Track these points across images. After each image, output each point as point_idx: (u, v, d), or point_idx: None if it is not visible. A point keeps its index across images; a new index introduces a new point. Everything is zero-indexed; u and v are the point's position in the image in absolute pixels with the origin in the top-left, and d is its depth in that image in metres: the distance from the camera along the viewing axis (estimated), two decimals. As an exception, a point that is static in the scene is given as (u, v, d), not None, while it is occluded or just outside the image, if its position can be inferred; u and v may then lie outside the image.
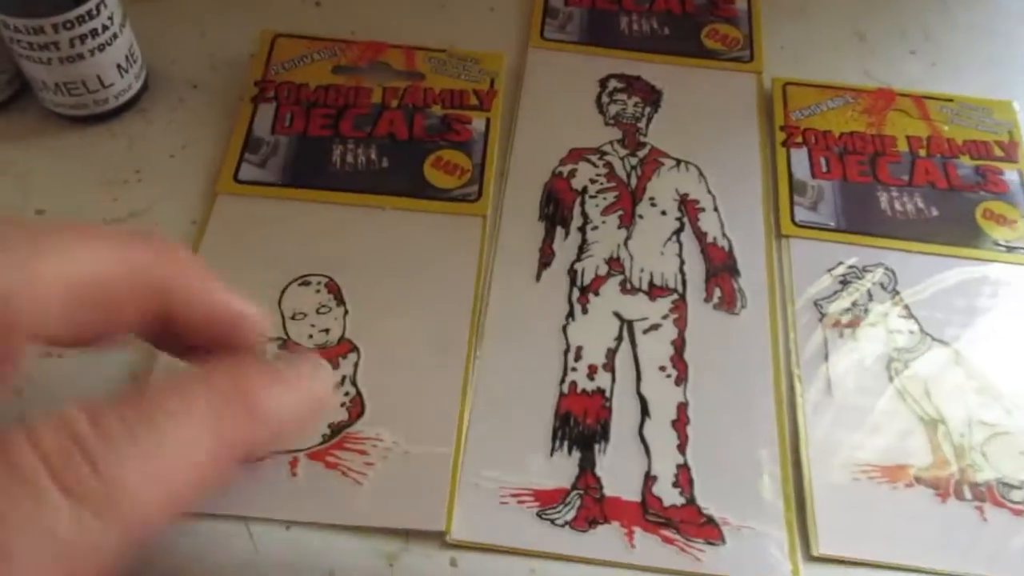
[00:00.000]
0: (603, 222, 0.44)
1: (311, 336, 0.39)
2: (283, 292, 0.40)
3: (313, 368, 0.27)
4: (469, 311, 0.40)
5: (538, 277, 0.42)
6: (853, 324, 0.41)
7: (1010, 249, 0.43)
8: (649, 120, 0.48)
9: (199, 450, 0.21)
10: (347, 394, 0.37)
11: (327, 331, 0.39)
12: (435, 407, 0.37)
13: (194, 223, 0.42)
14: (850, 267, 0.42)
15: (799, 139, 0.47)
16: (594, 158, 0.46)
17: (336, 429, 0.36)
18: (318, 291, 0.40)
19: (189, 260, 0.26)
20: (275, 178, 0.44)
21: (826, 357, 0.40)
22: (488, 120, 0.47)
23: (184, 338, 0.27)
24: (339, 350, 0.39)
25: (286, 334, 0.39)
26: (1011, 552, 0.35)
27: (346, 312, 0.40)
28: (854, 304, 0.41)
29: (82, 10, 0.40)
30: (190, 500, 0.21)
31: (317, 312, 0.40)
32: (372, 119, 0.46)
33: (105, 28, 0.42)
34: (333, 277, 0.41)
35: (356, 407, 0.37)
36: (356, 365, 0.38)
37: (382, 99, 0.47)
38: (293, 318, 0.39)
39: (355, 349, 0.39)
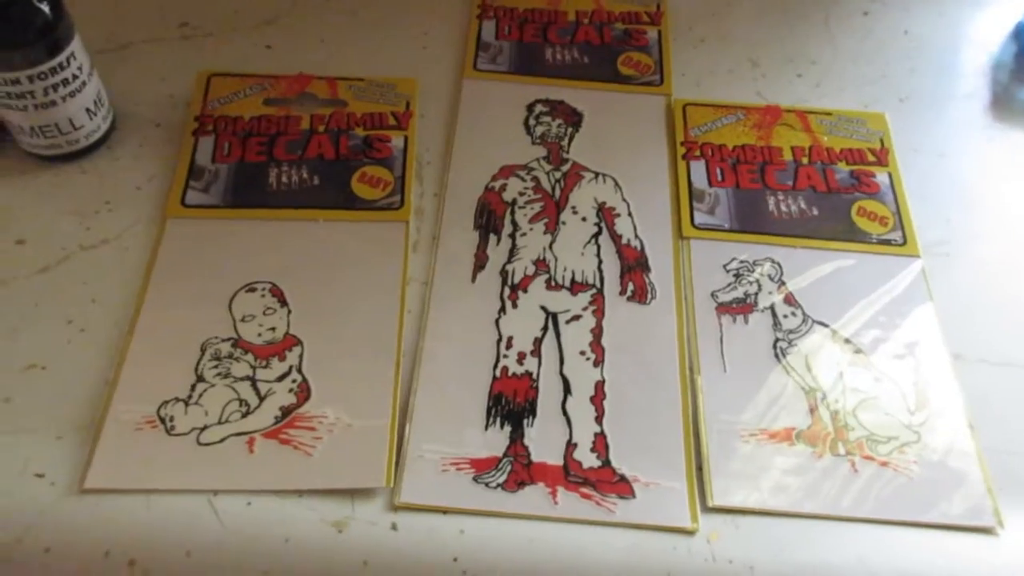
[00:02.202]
0: (530, 229, 0.50)
1: (260, 334, 0.44)
2: (232, 299, 0.46)
3: None
4: (397, 303, 0.46)
5: (474, 279, 0.48)
6: (744, 311, 0.47)
7: (881, 242, 0.50)
8: (571, 139, 0.54)
9: None
10: (295, 381, 0.43)
11: (273, 329, 0.45)
12: (371, 386, 0.43)
13: (157, 246, 0.48)
14: (742, 262, 0.49)
15: (697, 152, 0.53)
16: (522, 173, 0.52)
17: (286, 411, 0.42)
18: (263, 296, 0.46)
19: None
20: (218, 200, 0.50)
21: (721, 340, 0.46)
22: (406, 138, 0.53)
23: None
24: (285, 344, 0.44)
25: (237, 334, 0.45)
26: (876, 496, 0.41)
27: (289, 312, 0.45)
28: (745, 294, 0.48)
29: (54, 62, 0.46)
30: None
31: (264, 314, 0.45)
32: (302, 143, 0.52)
33: (75, 77, 0.47)
34: (276, 283, 0.46)
35: (303, 392, 0.43)
36: (301, 356, 0.44)
37: (310, 125, 0.53)
38: (243, 320, 0.45)
39: (299, 343, 0.44)
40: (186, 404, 0.42)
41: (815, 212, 0.51)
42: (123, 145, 0.52)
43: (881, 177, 0.53)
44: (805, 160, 0.53)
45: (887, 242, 0.50)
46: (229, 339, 0.45)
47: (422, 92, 0.56)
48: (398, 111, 0.54)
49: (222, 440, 0.41)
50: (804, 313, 0.47)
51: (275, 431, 0.42)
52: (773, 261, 0.49)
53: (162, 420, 0.42)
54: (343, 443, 0.41)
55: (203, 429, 0.42)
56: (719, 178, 0.52)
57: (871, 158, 0.54)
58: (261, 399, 0.43)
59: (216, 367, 0.44)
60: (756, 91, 0.58)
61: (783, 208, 0.51)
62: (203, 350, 0.44)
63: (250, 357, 0.44)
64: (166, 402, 0.42)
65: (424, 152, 0.53)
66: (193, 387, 0.43)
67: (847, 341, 0.46)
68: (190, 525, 0.39)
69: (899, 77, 0.59)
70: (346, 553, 0.38)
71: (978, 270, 0.50)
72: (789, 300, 0.48)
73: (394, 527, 0.39)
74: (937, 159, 0.55)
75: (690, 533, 0.39)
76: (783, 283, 0.48)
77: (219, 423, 0.42)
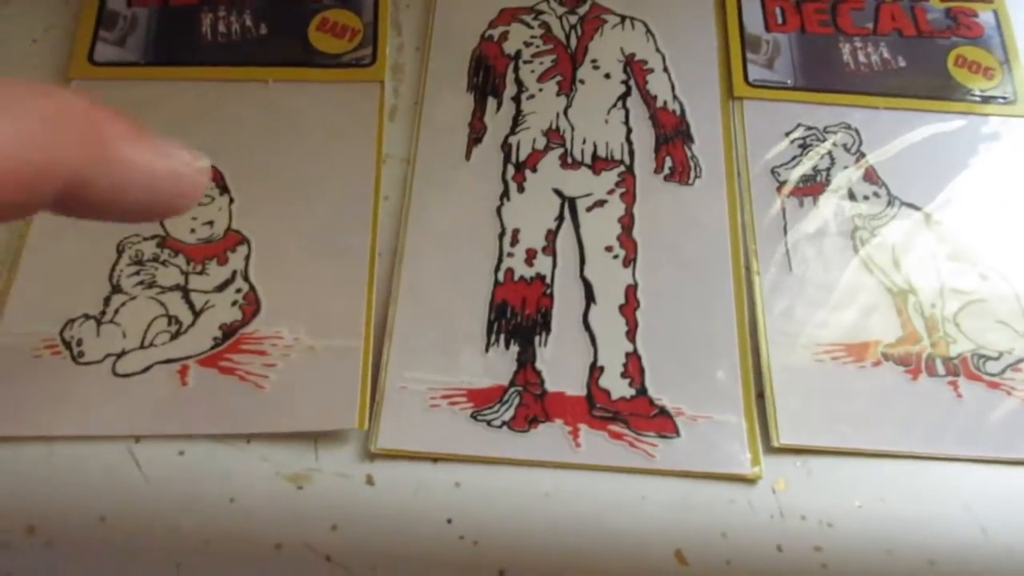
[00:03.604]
0: (540, 89, 0.39)
1: (193, 231, 0.35)
2: None
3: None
4: (371, 188, 0.36)
5: (468, 155, 0.37)
6: (813, 191, 0.37)
7: (985, 99, 0.39)
8: (589, -28, 0.43)
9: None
10: (239, 291, 0.33)
11: (211, 224, 0.35)
12: (339, 296, 0.34)
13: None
14: (809, 129, 0.38)
15: (752, -13, 0.42)
16: (528, 18, 0.41)
17: (229, 331, 0.33)
18: None
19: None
20: (137, 57, 0.39)
21: (785, 229, 0.36)
22: (378, -31, 0.41)
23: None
24: (226, 243, 0.35)
25: (164, 231, 0.35)
26: (987, 428, 0.32)
27: (231, 201, 0.36)
28: (815, 169, 0.37)
29: None
30: None
31: (199, 204, 0.35)
32: None
33: None
34: (214, 164, 0.36)
35: (251, 304, 0.33)
36: (247, 258, 0.34)
37: (253, -46, 0.42)
38: None
39: (245, 241, 0.35)
40: (98, 323, 0.33)
41: (902, 63, 0.40)
42: (12, -14, 0.40)
43: (985, 16, 0.42)
44: (888, -4, 0.42)
45: (991, 99, 0.40)
46: (154, 237, 0.35)
47: (399, -87, 0.43)
48: (368, -65, 0.42)
49: (146, 369, 0.32)
50: (889, 193, 0.37)
51: (214, 357, 0.32)
52: (849, 127, 0.39)
53: (67, 344, 0.32)
54: (304, 371, 0.32)
55: (120, 355, 0.32)
56: (779, 20, 0.41)
57: (972, -8, 0.42)
58: (196, 315, 0.33)
59: (137, 274, 0.34)
60: (823, -92, 0.45)
61: (861, 58, 0.40)
62: (120, 252, 0.35)
63: (181, 260, 0.34)
64: (72, 320, 0.33)
65: (401, -9, 0.42)
66: (107, 301, 0.34)
67: (945, 227, 0.36)
68: (105, 482, 0.30)
69: None
70: (309, 515, 0.29)
71: (1105, 134, 0.40)
72: (870, 176, 0.37)
73: (370, 481, 0.30)
74: (1053, -7, 0.43)
75: (751, 481, 0.31)
76: (862, 155, 0.38)
77: (141, 347, 0.33)
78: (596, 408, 0.32)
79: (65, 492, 0.30)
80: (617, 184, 0.37)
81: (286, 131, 0.38)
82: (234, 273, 0.34)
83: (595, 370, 0.33)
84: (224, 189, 0.36)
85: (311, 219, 0.36)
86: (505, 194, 0.36)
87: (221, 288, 0.34)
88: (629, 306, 0.34)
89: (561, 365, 0.33)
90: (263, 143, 0.37)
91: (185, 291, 0.34)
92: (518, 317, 0.34)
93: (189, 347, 0.33)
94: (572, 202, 0.36)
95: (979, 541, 0.30)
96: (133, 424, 0.31)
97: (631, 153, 0.37)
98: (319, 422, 0.31)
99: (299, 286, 0.34)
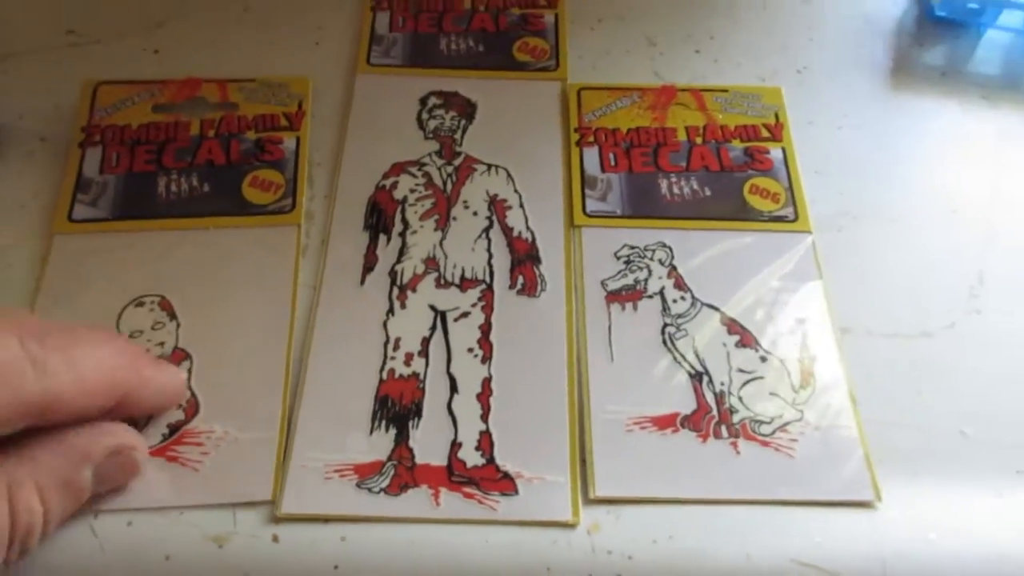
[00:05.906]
0: (421, 226, 0.50)
1: (148, 350, 0.44)
2: (120, 314, 0.46)
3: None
4: (288, 310, 0.46)
5: (362, 281, 0.48)
6: (633, 298, 0.47)
7: (773, 219, 0.50)
8: (464, 131, 0.54)
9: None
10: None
11: (162, 344, 0.45)
12: (260, 399, 0.43)
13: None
14: (632, 248, 0.49)
15: (591, 139, 0.53)
16: (414, 169, 0.52)
17: (174, 428, 0.42)
18: (152, 310, 0.46)
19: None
20: (107, 214, 0.49)
21: (609, 329, 0.46)
22: (298, 138, 0.53)
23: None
24: (173, 359, 0.44)
25: (123, 352, 0.45)
26: (757, 477, 0.41)
27: (179, 325, 0.45)
28: (635, 280, 0.48)
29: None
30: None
31: (152, 328, 0.45)
32: (192, 150, 0.52)
33: (-55, 92, 0.47)
34: (166, 295, 0.46)
35: (191, 407, 0.43)
36: (190, 371, 0.44)
37: (200, 131, 0.53)
38: (132, 336, 0.45)
39: (188, 357, 0.44)
40: (70, 426, 0.42)
41: (708, 192, 0.51)
42: (5, 162, 0.51)
43: (775, 152, 0.53)
44: (699, 140, 0.53)
45: (779, 219, 0.50)
46: (115, 357, 0.44)
47: (316, 90, 0.55)
48: (290, 111, 0.54)
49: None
50: (693, 296, 0.47)
51: (163, 448, 0.42)
52: (664, 245, 0.49)
53: (46, 444, 0.42)
54: (231, 457, 0.41)
55: (87, 451, 0.42)
56: (612, 163, 0.52)
57: (765, 134, 0.54)
58: (149, 417, 0.43)
59: (102, 386, 0.43)
60: (654, 71, 0.57)
61: (675, 191, 0.51)
62: (88, 369, 0.44)
63: (138, 375, 0.44)
64: (50, 425, 0.42)
65: (315, 152, 0.53)
66: (78, 408, 0.43)
67: (734, 321, 0.47)
68: (71, 553, 0.39)
69: (797, 48, 0.59)
70: (228, 568, 0.38)
71: (870, 243, 0.50)
72: (679, 284, 0.48)
73: (275, 539, 0.39)
74: (834, 131, 0.55)
75: (571, 526, 0.40)
76: (674, 267, 0.48)
77: (104, 444, 0.42)
78: (454, 475, 0.41)
79: (36, 561, 0.38)
80: (479, 299, 0.47)
81: (223, 267, 0.48)
82: (179, 383, 0.44)
83: (455, 446, 0.42)
84: (173, 316, 0.46)
85: (242, 337, 0.45)
86: (391, 310, 0.46)
87: (168, 395, 0.44)
88: (484, 394, 0.44)
89: (429, 442, 0.42)
90: (205, 277, 0.47)
91: (140, 398, 0.43)
92: (397, 407, 0.43)
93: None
94: (443, 314, 0.46)
95: (743, 564, 0.39)
96: (95, 502, 0.40)
97: (491, 274, 0.48)
98: (241, 495, 0.40)
99: (230, 391, 0.44)
